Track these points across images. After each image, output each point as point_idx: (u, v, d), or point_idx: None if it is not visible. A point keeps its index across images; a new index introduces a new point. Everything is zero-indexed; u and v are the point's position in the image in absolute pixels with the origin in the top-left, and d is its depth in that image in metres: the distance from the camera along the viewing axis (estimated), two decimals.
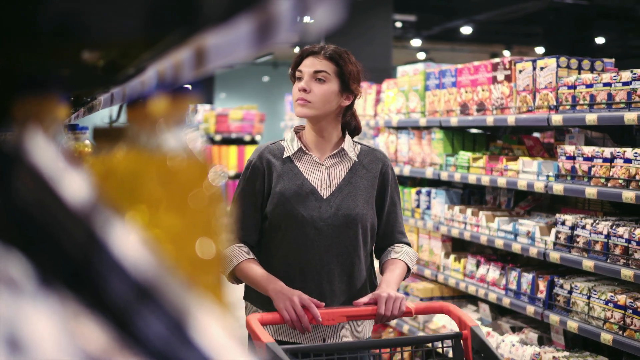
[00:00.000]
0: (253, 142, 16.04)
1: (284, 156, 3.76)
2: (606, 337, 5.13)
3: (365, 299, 3.57)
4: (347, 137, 3.84)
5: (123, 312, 0.62)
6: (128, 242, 0.67)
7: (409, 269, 3.83)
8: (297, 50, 4.12)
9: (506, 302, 6.30)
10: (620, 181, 5.06)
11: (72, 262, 0.63)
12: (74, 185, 0.69)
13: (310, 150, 3.80)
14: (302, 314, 3.41)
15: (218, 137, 15.62)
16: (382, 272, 3.82)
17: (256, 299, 3.73)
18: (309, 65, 3.70)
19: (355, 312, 3.53)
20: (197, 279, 0.89)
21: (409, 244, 3.94)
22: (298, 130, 3.89)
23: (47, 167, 0.70)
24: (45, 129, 0.76)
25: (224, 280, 0.93)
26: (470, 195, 7.54)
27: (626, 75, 5.09)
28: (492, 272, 6.58)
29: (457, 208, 7.00)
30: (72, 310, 0.59)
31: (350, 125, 3.86)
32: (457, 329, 3.59)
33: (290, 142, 3.80)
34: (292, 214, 3.66)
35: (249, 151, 15.71)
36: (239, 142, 15.90)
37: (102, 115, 3.21)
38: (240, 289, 3.85)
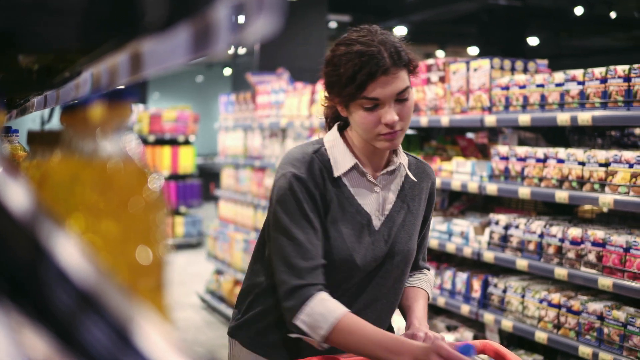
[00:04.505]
0: (187, 142, 15.98)
1: (334, 174, 2.80)
2: (541, 336, 5.19)
3: None
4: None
5: (66, 321, 0.62)
6: (69, 250, 0.66)
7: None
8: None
9: (441, 301, 6.34)
10: (553, 181, 5.12)
11: (14, 272, 0.63)
12: (16, 194, 0.69)
13: (364, 165, 2.87)
14: None
15: (152, 138, 15.54)
16: (404, 298, 3.06)
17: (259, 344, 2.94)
18: (386, 88, 2.65)
19: None
20: (138, 285, 0.89)
21: (429, 269, 3.24)
22: (342, 130, 2.93)
23: None
24: None
25: (164, 284, 0.93)
26: None
27: (559, 76, 5.14)
28: None
29: None
30: (16, 320, 0.59)
31: None
32: None
33: (339, 153, 2.83)
34: (343, 258, 2.76)
35: (183, 152, 15.65)
36: (173, 142, 15.85)
37: (34, 117, 3.09)
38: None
